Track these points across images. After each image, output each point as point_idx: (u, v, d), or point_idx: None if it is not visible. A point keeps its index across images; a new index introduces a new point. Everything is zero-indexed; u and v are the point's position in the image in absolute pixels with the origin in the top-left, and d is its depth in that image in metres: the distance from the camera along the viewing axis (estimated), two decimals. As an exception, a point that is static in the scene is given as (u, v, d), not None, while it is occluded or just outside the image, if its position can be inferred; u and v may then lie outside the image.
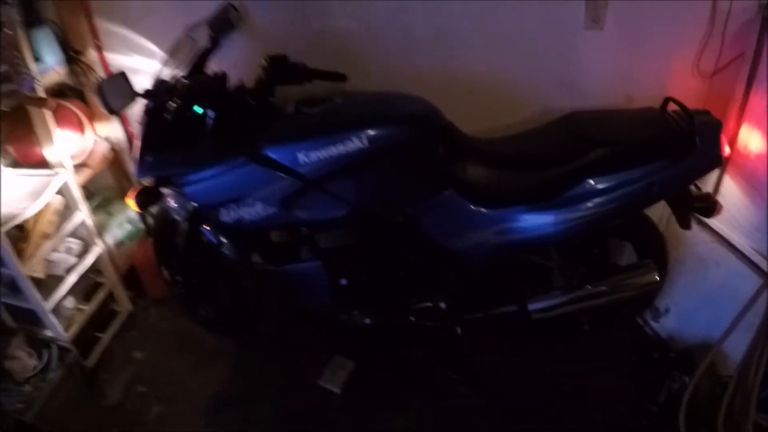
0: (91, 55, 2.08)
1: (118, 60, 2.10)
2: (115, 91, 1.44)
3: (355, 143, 1.44)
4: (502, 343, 2.00)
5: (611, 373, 1.90)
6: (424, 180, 1.55)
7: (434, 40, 1.84)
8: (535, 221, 1.50)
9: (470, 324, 1.72)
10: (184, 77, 1.55)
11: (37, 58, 1.84)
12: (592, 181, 1.45)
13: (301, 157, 1.46)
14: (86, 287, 2.19)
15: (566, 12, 1.70)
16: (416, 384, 1.94)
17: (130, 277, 2.37)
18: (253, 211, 1.56)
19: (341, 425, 1.82)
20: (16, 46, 1.69)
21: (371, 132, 1.46)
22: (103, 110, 1.47)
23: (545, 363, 1.94)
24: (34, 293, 1.85)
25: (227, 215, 1.59)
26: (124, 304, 2.33)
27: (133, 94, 1.48)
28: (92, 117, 2.16)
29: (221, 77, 1.56)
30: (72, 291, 2.07)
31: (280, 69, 1.61)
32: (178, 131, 1.51)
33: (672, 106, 1.51)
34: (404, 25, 1.83)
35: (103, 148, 2.22)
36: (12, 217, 1.74)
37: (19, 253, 1.80)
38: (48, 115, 1.86)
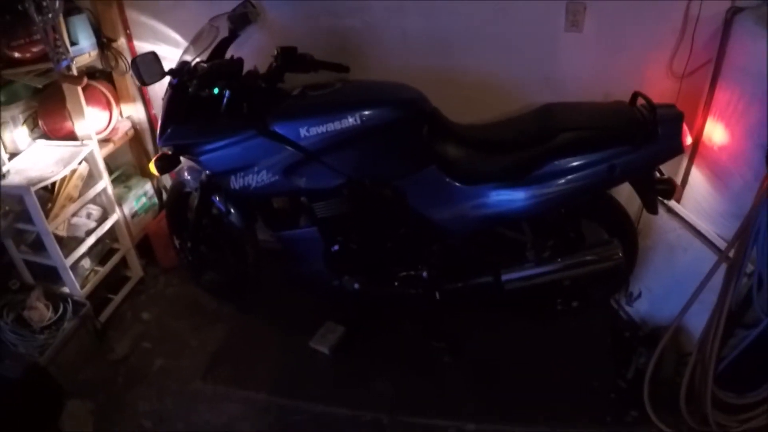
0: (122, 42, 2.31)
1: (146, 48, 2.32)
2: (147, 68, 1.68)
3: (349, 121, 1.63)
4: (485, 324, 2.14)
5: (588, 352, 2.01)
6: (410, 157, 1.73)
7: (428, 39, 2.03)
8: (508, 196, 1.66)
9: (449, 293, 1.87)
10: (204, 61, 1.75)
11: (73, 42, 2.07)
12: (559, 162, 1.61)
13: (303, 132, 1.66)
14: (102, 251, 2.40)
15: (548, 15, 1.89)
16: (400, 351, 2.08)
17: (143, 247, 2.56)
18: (258, 178, 1.75)
19: (328, 383, 1.98)
20: (56, 29, 1.91)
21: (364, 112, 1.65)
22: (135, 82, 1.68)
23: (526, 343, 2.06)
24: (56, 249, 2.05)
25: (236, 182, 1.79)
26: (136, 270, 2.52)
27: (161, 71, 1.71)
28: (118, 98, 2.39)
29: (238, 62, 1.76)
30: (89, 253, 2.28)
31: (289, 59, 1.83)
32: (198, 106, 1.73)
33: (641, 102, 1.66)
34: (402, 25, 2.03)
35: (125, 127, 2.44)
36: (43, 179, 1.96)
37: (46, 212, 2.00)
38: (80, 92, 2.08)
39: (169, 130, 1.81)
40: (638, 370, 1.81)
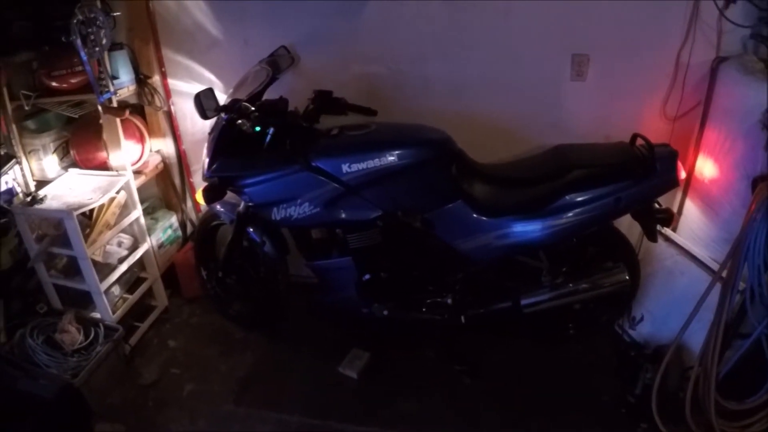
0: (156, 79, 2.46)
1: (180, 86, 2.48)
2: (207, 102, 1.85)
3: (388, 159, 1.81)
4: (500, 348, 2.29)
5: (596, 373, 2.17)
6: (440, 192, 1.90)
7: (447, 85, 2.25)
8: (526, 228, 1.85)
9: (473, 317, 2.02)
10: (248, 100, 1.92)
11: (114, 76, 2.21)
12: (572, 196, 1.81)
13: (345, 167, 1.82)
14: (130, 280, 2.48)
15: (556, 66, 2.13)
16: (425, 375, 2.20)
17: (167, 277, 2.65)
18: (300, 210, 1.90)
19: (357, 406, 2.08)
20: (101, 63, 2.05)
21: (401, 151, 1.83)
22: (197, 115, 1.83)
23: (540, 365, 2.21)
24: (93, 274, 2.14)
25: (278, 213, 1.93)
26: (161, 299, 2.60)
27: (217, 107, 1.87)
28: (150, 132, 2.52)
29: (284, 102, 1.94)
30: (119, 280, 2.36)
31: (325, 101, 2.01)
32: (244, 141, 1.88)
33: (640, 142, 1.88)
34: (424, 72, 2.25)
35: (155, 160, 2.57)
36: (83, 205, 2.07)
37: (84, 237, 2.10)
38: (118, 124, 2.21)
39: (217, 163, 1.95)
40: (645, 385, 1.96)
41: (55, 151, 2.40)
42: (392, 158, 1.81)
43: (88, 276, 2.14)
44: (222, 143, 1.94)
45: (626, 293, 2.03)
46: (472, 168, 1.96)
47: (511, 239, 1.88)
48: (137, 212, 2.36)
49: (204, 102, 1.83)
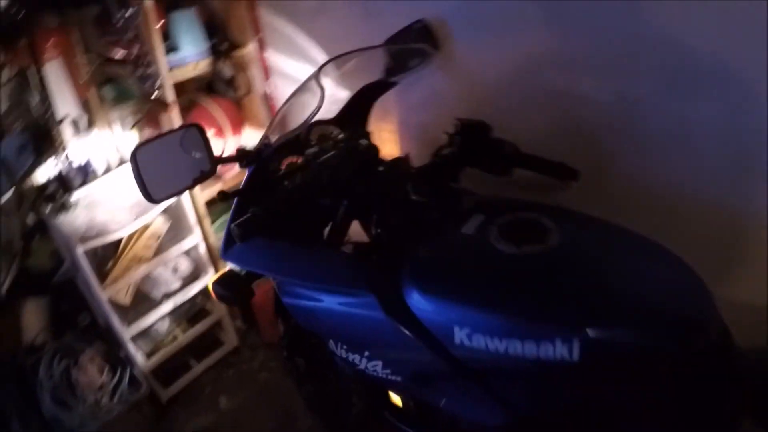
0: (250, 50, 1.67)
1: (281, 61, 1.66)
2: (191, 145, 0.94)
3: (558, 350, 0.75)
4: None
5: None
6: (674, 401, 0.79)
7: (728, 144, 0.94)
8: None
9: None
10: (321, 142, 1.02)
11: (172, 48, 1.47)
12: None
13: (460, 335, 0.82)
14: (190, 311, 1.90)
15: None
16: None
17: (247, 311, 2.03)
18: (370, 365, 0.99)
19: None
20: (139, 32, 1.32)
21: (599, 339, 0.73)
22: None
23: None
24: (114, 319, 1.58)
25: (338, 349, 1.05)
26: (230, 337, 2.00)
27: (212, 158, 0.95)
28: (239, 120, 1.79)
29: (369, 149, 0.98)
30: (171, 314, 1.79)
31: (475, 145, 1.00)
32: (290, 217, 0.98)
33: None
34: (684, 114, 0.96)
35: (244, 158, 1.85)
36: (100, 233, 1.46)
37: (104, 273, 1.52)
38: (174, 116, 1.51)
39: (236, 246, 1.07)
40: None
41: (134, 126, 1.85)
42: (568, 352, 0.73)
43: (110, 319, 1.59)
44: (243, 214, 1.04)
45: None
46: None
47: None
48: (195, 238, 1.70)
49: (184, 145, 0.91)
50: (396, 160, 1.03)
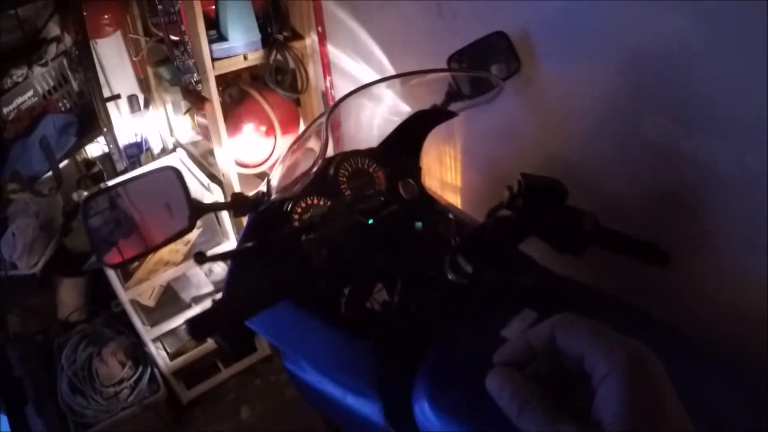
0: (311, 42, 1.47)
1: (338, 57, 1.45)
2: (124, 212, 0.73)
3: None
4: None
5: None
6: None
7: None
8: None
9: None
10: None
11: (221, 37, 1.30)
12: None
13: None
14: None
15: None
16: None
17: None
18: None
19: None
20: (178, 18, 1.17)
21: None
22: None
23: None
24: (135, 320, 1.49)
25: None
26: (264, 344, 1.86)
27: (197, 206, 0.72)
28: (293, 118, 1.61)
29: (447, 223, 0.74)
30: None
31: (543, 210, 0.72)
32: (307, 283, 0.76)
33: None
34: None
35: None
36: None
37: (129, 273, 1.42)
38: (217, 112, 1.35)
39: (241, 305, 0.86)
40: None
41: (187, 111, 1.76)
42: None
43: (133, 321, 1.50)
44: (242, 276, 0.80)
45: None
46: None
47: None
48: (231, 244, 1.56)
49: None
50: (436, 222, 0.78)
